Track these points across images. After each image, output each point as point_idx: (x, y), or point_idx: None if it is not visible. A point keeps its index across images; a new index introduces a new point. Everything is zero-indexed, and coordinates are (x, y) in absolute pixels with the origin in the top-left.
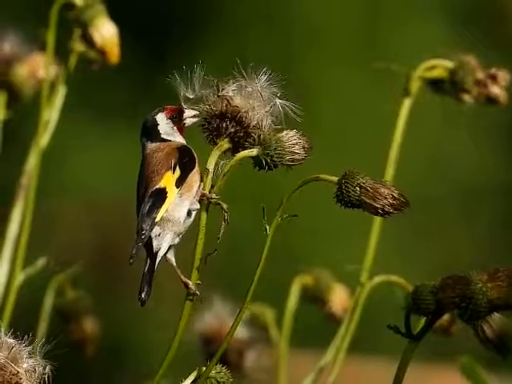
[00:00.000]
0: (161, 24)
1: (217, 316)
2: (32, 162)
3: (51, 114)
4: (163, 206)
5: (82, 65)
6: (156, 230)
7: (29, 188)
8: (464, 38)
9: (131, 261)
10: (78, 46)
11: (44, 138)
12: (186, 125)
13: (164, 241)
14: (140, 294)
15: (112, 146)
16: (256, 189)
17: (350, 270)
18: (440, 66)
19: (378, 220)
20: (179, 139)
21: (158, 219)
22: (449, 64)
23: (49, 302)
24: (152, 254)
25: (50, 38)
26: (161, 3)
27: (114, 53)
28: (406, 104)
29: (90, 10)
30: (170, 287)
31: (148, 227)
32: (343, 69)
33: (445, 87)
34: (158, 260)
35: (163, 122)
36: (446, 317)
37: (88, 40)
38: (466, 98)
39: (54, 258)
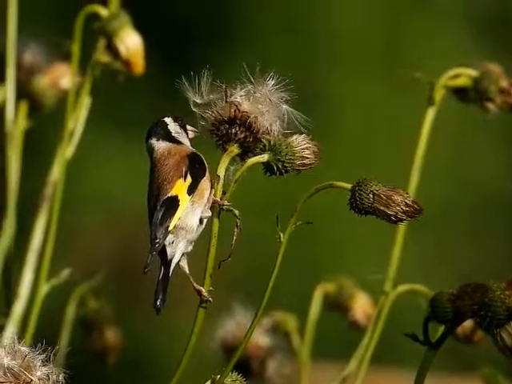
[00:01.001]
0: (182, 34)
1: (239, 324)
2: (56, 173)
3: (76, 125)
4: (176, 214)
5: (103, 74)
6: (169, 238)
7: (54, 199)
8: (486, 47)
9: (146, 270)
10: (103, 57)
11: (69, 149)
12: (189, 136)
13: (177, 248)
14: (155, 301)
15: (132, 157)
16: (282, 194)
17: (374, 279)
18: (464, 75)
19: (401, 229)
20: (186, 141)
21: (171, 227)
22: (473, 72)
23: (71, 311)
24: (166, 262)
25: (75, 48)
26: (183, 13)
27: (138, 64)
28: (431, 113)
29: (116, 21)
30: (190, 295)
31: (162, 236)
32: (366, 79)
33: (469, 96)
34: (172, 268)
35: (172, 123)
36: (468, 325)
37: (113, 51)
38: (490, 106)
39: (75, 269)
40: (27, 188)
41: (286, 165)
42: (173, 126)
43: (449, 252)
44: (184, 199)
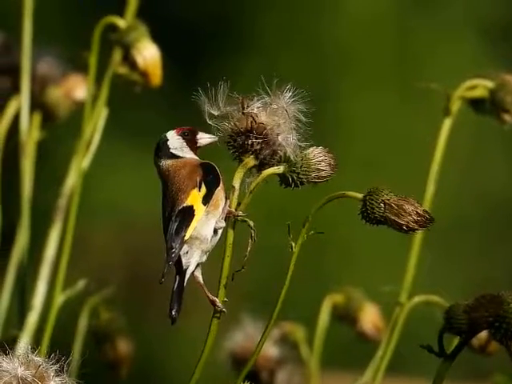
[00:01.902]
0: (193, 45)
1: (248, 336)
2: (70, 184)
3: (93, 135)
4: (191, 224)
5: (116, 84)
6: (184, 248)
7: (69, 209)
8: (498, 56)
9: (162, 279)
10: (120, 68)
11: (85, 159)
12: (199, 144)
13: (192, 258)
14: (170, 311)
15: (143, 167)
16: (289, 206)
17: (382, 290)
18: (480, 86)
19: (417, 239)
20: (189, 155)
21: (186, 237)
22: (489, 84)
23: (83, 322)
24: (181, 272)
25: (93, 59)
26: (194, 24)
27: (156, 75)
28: (447, 124)
29: (133, 32)
30: (201, 305)
31: (177, 246)
32: (376, 90)
33: (485, 107)
34: (186, 278)
35: (173, 138)
36: (483, 336)
37: (130, 62)
38: (507, 117)
39: (87, 280)
40: (41, 199)
41: (302, 177)
42: (173, 141)
43: (460, 262)
44: (199, 209)
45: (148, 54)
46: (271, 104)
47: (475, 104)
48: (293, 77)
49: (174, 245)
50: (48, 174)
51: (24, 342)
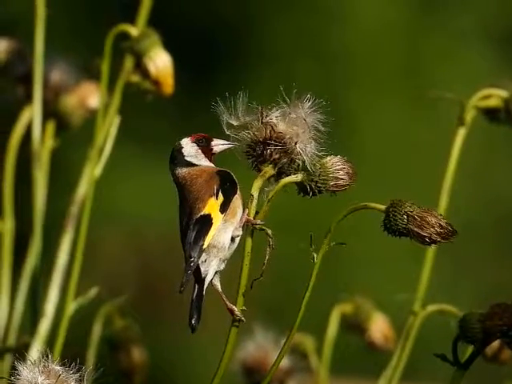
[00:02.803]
0: (205, 54)
1: (259, 345)
2: (82, 191)
3: (105, 143)
4: (209, 233)
5: (129, 93)
6: (202, 256)
7: (82, 217)
8: (509, 65)
9: (182, 289)
10: (132, 76)
11: (98, 167)
12: (214, 151)
13: (210, 267)
14: (190, 320)
15: (153, 174)
16: (298, 215)
17: (401, 299)
18: (494, 95)
19: (431, 249)
20: (204, 162)
21: (205, 246)
22: (503, 93)
23: (97, 330)
24: (199, 281)
25: (105, 67)
26: (207, 34)
27: (168, 83)
28: (461, 133)
29: (145, 41)
30: (214, 314)
31: (196, 255)
32: (386, 99)
33: (499, 116)
34: (205, 286)
35: (188, 145)
36: (496, 344)
37: (142, 70)
38: None
39: (98, 287)
40: (52, 207)
41: (320, 185)
42: (188, 149)
43: (472, 269)
44: (217, 217)
45: (160, 62)
46: (290, 113)
47: (489, 113)
48: (303, 85)
49: (192, 254)
50: (60, 181)
51: (36, 350)
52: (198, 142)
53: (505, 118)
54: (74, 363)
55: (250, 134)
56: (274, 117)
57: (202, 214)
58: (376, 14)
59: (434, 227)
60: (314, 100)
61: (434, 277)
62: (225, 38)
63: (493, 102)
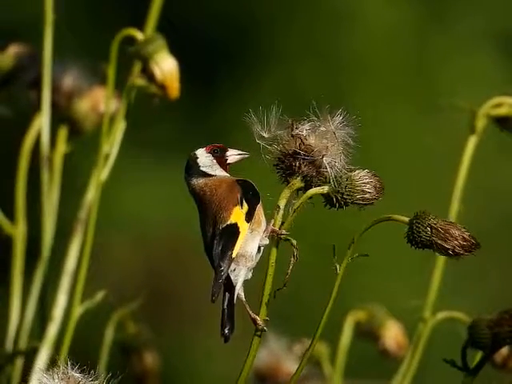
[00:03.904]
0: (210, 56)
1: (271, 352)
2: (90, 196)
3: (111, 149)
4: (237, 242)
5: (135, 97)
6: (231, 265)
7: (88, 222)
8: None
9: (213, 298)
10: (139, 81)
11: (103, 173)
12: (229, 161)
13: (239, 276)
14: (223, 330)
15: (162, 180)
16: (313, 224)
17: (412, 306)
18: (506, 104)
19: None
20: (220, 173)
21: (234, 255)
22: None
23: (109, 335)
24: (230, 290)
25: (111, 71)
26: (211, 36)
27: (174, 88)
28: (472, 141)
29: (151, 45)
30: (216, 320)
31: (226, 264)
32: (392, 103)
33: (510, 125)
34: (236, 295)
35: (203, 155)
36: (505, 352)
37: (148, 74)
38: None
39: (106, 291)
40: (61, 211)
41: (346, 197)
42: (203, 159)
43: (483, 279)
44: (244, 226)
45: (166, 66)
46: (320, 127)
47: (500, 122)
48: (310, 88)
49: (222, 264)
50: (71, 186)
51: (44, 355)
52: (213, 153)
53: None
54: (92, 370)
55: (279, 146)
56: (304, 129)
57: (228, 223)
58: (384, 16)
59: (457, 240)
60: (346, 114)
61: (445, 283)
62: (231, 40)
63: (503, 111)
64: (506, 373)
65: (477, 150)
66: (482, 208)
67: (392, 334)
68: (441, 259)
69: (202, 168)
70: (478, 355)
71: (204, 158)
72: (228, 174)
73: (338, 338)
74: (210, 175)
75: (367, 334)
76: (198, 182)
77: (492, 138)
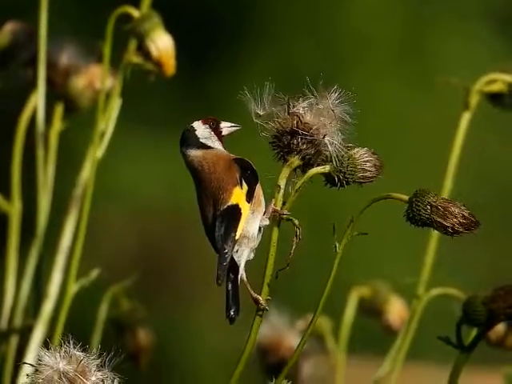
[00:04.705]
0: (205, 33)
1: (274, 327)
2: (85, 174)
3: (107, 126)
4: (240, 223)
5: (131, 74)
6: (235, 247)
7: (84, 199)
8: (510, 45)
9: (219, 281)
10: (134, 58)
11: (99, 150)
12: (224, 133)
13: (242, 256)
14: (228, 311)
15: (158, 156)
16: (310, 202)
17: (407, 282)
18: (499, 80)
19: (435, 232)
20: (218, 146)
21: (237, 237)
22: (508, 78)
23: (103, 312)
24: (234, 271)
25: (107, 49)
26: (206, 12)
27: (170, 65)
28: (466, 118)
29: (147, 22)
30: (212, 293)
31: (230, 246)
32: (389, 80)
33: (504, 101)
34: (239, 276)
35: (200, 127)
36: (501, 329)
37: (144, 52)
38: None
39: (101, 265)
40: (57, 188)
41: (348, 176)
42: (201, 131)
43: (477, 254)
44: (245, 207)
45: (161, 43)
46: (317, 104)
47: (494, 98)
48: (306, 65)
49: (225, 246)
50: (67, 163)
51: (39, 333)
52: (210, 125)
53: (509, 102)
54: (95, 349)
55: (276, 124)
56: (301, 107)
57: (229, 204)
58: None
59: (456, 217)
60: (341, 91)
61: (439, 259)
62: (226, 17)
63: (497, 87)
64: (501, 350)
65: (470, 125)
66: (474, 183)
67: (395, 309)
68: (434, 236)
69: (201, 140)
70: (473, 332)
71: (202, 129)
72: (224, 148)
73: (341, 314)
74: (210, 147)
75: (371, 310)
76: (197, 153)
77: (481, 111)
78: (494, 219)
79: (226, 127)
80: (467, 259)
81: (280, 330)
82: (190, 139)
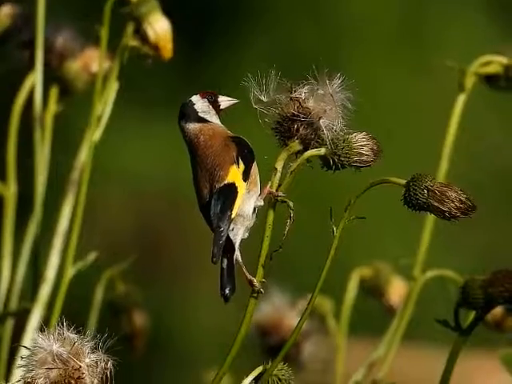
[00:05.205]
0: (202, 15)
1: (275, 307)
2: (83, 157)
3: (104, 109)
4: (236, 202)
5: (129, 57)
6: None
7: (81, 182)
8: (508, 32)
9: (214, 259)
10: (132, 42)
11: (96, 133)
12: (222, 107)
13: (238, 235)
14: (223, 290)
15: (155, 136)
16: (314, 185)
17: (402, 263)
18: (495, 62)
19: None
20: (215, 120)
21: (233, 215)
22: (504, 60)
23: (99, 295)
24: (229, 249)
25: (104, 32)
26: None
27: (167, 49)
28: (461, 99)
29: (144, 6)
30: (208, 274)
31: (225, 225)
32: (386, 65)
33: (499, 83)
34: (235, 255)
35: (199, 101)
36: (499, 312)
37: (141, 35)
38: None
39: (97, 246)
40: (55, 172)
41: (343, 159)
42: (200, 105)
43: (474, 235)
44: (241, 186)
45: (159, 27)
46: (318, 90)
47: (489, 80)
48: (304, 48)
49: (221, 224)
50: (63, 145)
51: (36, 315)
52: (208, 99)
53: (505, 84)
54: (88, 331)
55: (278, 109)
56: (303, 92)
57: (226, 182)
58: None
59: (453, 202)
60: (344, 78)
61: (439, 240)
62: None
63: (493, 69)
64: (498, 333)
65: (468, 108)
66: (471, 165)
67: (397, 290)
68: (430, 217)
69: (200, 114)
70: (471, 315)
71: (200, 103)
72: (219, 122)
73: (343, 294)
74: (207, 121)
75: (372, 291)
76: (195, 127)
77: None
78: (491, 202)
79: (224, 101)
80: (464, 241)
81: (281, 311)
82: (188, 113)
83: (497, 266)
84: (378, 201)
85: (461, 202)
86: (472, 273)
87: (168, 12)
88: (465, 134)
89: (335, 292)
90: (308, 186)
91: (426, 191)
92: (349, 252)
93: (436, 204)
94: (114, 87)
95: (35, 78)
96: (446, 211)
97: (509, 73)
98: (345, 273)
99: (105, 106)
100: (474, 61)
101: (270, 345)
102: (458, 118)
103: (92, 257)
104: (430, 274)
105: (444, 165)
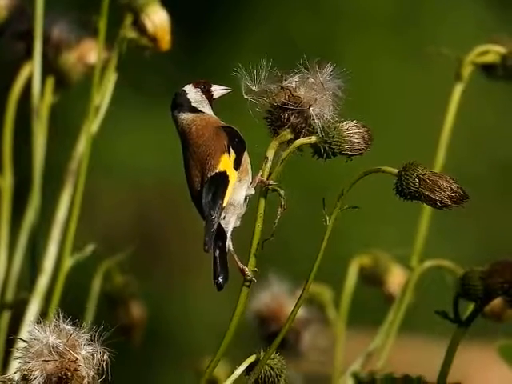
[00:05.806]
0: (200, 5)
1: (274, 295)
2: (81, 148)
3: (102, 100)
4: (227, 191)
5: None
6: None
7: (79, 173)
8: (505, 21)
9: (206, 248)
10: (130, 33)
11: (94, 124)
12: (215, 96)
13: (229, 224)
14: (216, 278)
15: (153, 128)
16: (304, 174)
17: (400, 253)
18: (492, 51)
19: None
20: (208, 110)
21: (225, 204)
22: (501, 49)
23: (96, 286)
24: (221, 238)
25: (102, 24)
26: None
27: (165, 40)
28: (458, 89)
29: None
30: (207, 264)
31: (217, 213)
32: (385, 54)
33: (497, 72)
34: (227, 243)
35: (192, 91)
36: (497, 303)
37: (139, 27)
38: None
39: (95, 237)
40: (53, 162)
41: (333, 147)
42: (193, 94)
43: (473, 226)
44: (232, 175)
45: (157, 18)
46: (309, 78)
47: (487, 69)
48: (302, 37)
49: (213, 212)
50: (62, 136)
51: (35, 306)
52: (201, 88)
53: (502, 74)
54: (85, 323)
55: (269, 99)
56: (294, 81)
57: (217, 171)
58: None
59: (445, 191)
60: (335, 67)
61: (437, 230)
62: None
63: (490, 58)
64: (497, 323)
65: (465, 97)
66: (469, 154)
67: (397, 279)
68: (427, 207)
69: (193, 103)
70: (470, 306)
71: (194, 93)
72: (212, 112)
73: (342, 283)
74: (200, 111)
75: (372, 279)
76: (188, 117)
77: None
78: (489, 191)
79: (218, 90)
80: (462, 231)
81: (280, 299)
82: (181, 103)
83: (495, 256)
84: (375, 190)
85: (452, 191)
86: (470, 263)
87: (167, 2)
88: (463, 123)
89: (334, 282)
90: (310, 174)
91: (417, 180)
92: (346, 242)
93: (427, 193)
94: (111, 78)
95: (33, 69)
96: (437, 200)
97: (506, 62)
98: (343, 262)
99: (103, 97)
100: (471, 50)
101: (270, 333)
102: (455, 107)
103: (90, 248)
104: (428, 264)
105: (441, 154)
